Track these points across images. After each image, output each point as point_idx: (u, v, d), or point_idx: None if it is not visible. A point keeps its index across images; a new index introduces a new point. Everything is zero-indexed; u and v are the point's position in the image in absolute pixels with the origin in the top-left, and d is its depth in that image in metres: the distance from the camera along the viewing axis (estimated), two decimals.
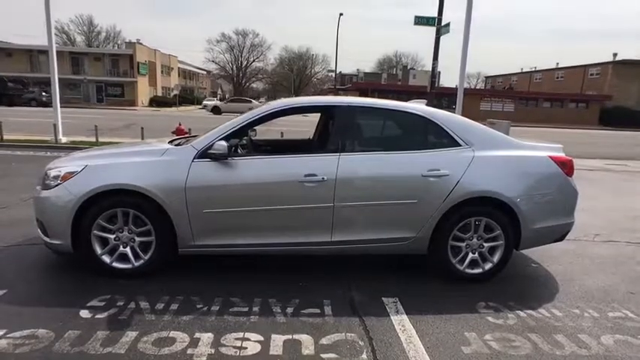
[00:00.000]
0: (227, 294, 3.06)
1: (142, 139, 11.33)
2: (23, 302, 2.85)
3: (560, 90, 48.30)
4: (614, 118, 40.21)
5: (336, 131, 3.43)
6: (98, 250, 3.21)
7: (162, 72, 52.30)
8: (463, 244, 3.42)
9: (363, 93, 44.84)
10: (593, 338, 2.70)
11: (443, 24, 13.99)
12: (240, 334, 2.55)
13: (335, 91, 42.18)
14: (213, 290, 3.11)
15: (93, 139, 11.91)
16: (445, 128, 3.47)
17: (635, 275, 3.80)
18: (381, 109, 3.62)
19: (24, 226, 4.35)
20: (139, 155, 3.35)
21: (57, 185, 3.19)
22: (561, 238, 3.66)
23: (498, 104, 42.32)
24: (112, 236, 3.23)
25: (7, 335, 2.43)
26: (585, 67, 48.88)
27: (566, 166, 3.53)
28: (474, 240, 3.42)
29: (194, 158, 3.21)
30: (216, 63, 79.16)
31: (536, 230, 3.45)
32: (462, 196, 3.29)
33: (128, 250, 3.25)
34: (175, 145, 3.46)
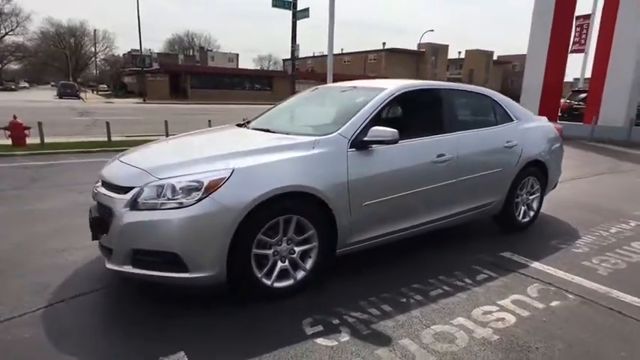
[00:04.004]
0: (399, 284, 2.99)
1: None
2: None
3: (348, 72, 56.41)
4: None
5: (450, 112, 3.65)
6: (257, 272, 2.58)
7: None
8: (520, 200, 4.24)
9: (175, 75, 41.72)
10: None
11: (300, 9, 14.62)
12: (480, 309, 2.65)
13: (142, 73, 37.58)
14: (383, 283, 2.98)
15: None
16: (503, 106, 4.15)
17: (596, 205, 5.37)
18: (470, 92, 4.00)
19: (51, 271, 2.93)
20: (285, 150, 2.75)
21: (200, 199, 2.37)
22: (555, 186, 4.93)
23: (305, 85, 46.40)
24: (270, 251, 2.64)
25: None
26: (366, 54, 58.47)
27: (559, 132, 4.75)
28: (525, 195, 4.29)
29: (348, 148, 2.90)
30: None
31: (551, 181, 4.58)
32: (524, 161, 4.06)
33: (287, 263, 2.72)
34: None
